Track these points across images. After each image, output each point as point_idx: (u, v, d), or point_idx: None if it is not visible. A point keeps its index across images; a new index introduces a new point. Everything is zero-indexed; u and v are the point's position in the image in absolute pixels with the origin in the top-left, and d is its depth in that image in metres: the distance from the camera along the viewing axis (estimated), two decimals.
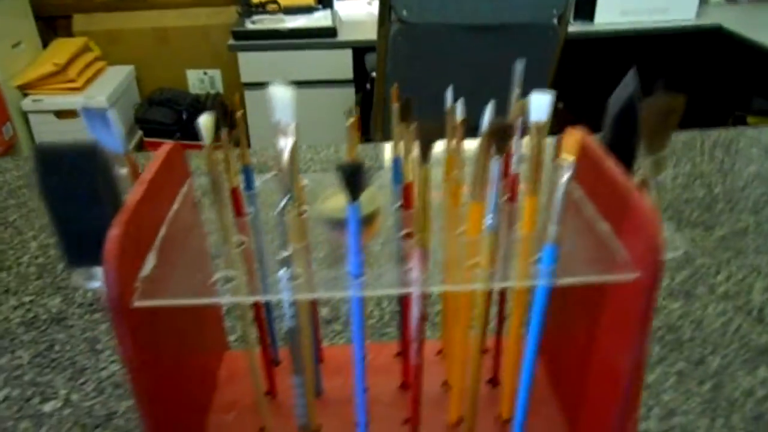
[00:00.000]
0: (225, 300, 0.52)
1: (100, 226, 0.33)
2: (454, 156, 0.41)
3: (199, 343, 0.49)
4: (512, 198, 0.43)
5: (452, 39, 1.53)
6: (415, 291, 0.35)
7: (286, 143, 0.36)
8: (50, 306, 0.65)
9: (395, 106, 0.41)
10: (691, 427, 0.50)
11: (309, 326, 0.42)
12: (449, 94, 0.41)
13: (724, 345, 0.57)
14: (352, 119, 0.39)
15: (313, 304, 0.46)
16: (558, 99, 0.37)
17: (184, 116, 2.29)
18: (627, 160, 0.38)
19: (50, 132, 2.18)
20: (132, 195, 0.35)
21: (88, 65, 2.27)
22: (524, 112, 0.40)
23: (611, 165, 0.37)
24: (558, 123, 0.39)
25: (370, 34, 1.76)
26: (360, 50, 2.07)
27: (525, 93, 0.40)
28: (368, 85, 1.97)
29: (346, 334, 0.60)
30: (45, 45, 2.32)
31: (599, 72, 1.83)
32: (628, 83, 0.37)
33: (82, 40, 2.31)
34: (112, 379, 0.56)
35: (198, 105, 2.35)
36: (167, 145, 0.43)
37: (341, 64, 2.12)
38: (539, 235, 0.39)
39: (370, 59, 1.94)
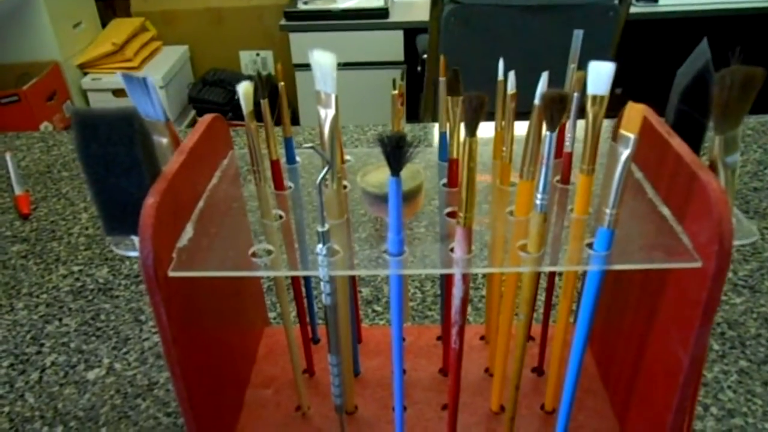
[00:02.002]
0: (261, 273, 0.52)
1: (138, 195, 0.32)
2: (504, 132, 0.39)
3: (239, 318, 0.49)
4: (566, 179, 0.41)
5: (507, 20, 1.48)
6: (457, 272, 0.34)
7: (326, 114, 0.34)
8: (98, 276, 0.66)
9: (442, 80, 0.39)
10: (751, 430, 0.46)
11: (347, 304, 0.41)
12: (501, 67, 0.39)
13: None
14: (396, 91, 0.38)
15: (353, 283, 0.44)
16: (617, 84, 0.34)
17: (237, 96, 2.31)
18: (695, 138, 0.35)
19: None
20: (170, 164, 0.35)
21: (144, 45, 2.31)
22: (582, 86, 0.38)
23: (677, 143, 0.34)
24: (616, 109, 0.36)
25: (423, 15, 1.72)
26: (411, 31, 2.04)
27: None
28: (419, 68, 1.94)
29: (386, 315, 0.59)
30: (104, 25, 2.38)
31: (663, 57, 1.74)
32: (700, 54, 0.34)
33: (139, 20, 2.36)
34: (154, 350, 0.56)
35: None
36: (209, 115, 0.42)
37: (392, 45, 2.09)
38: (595, 218, 0.36)
39: (422, 40, 1.91)
